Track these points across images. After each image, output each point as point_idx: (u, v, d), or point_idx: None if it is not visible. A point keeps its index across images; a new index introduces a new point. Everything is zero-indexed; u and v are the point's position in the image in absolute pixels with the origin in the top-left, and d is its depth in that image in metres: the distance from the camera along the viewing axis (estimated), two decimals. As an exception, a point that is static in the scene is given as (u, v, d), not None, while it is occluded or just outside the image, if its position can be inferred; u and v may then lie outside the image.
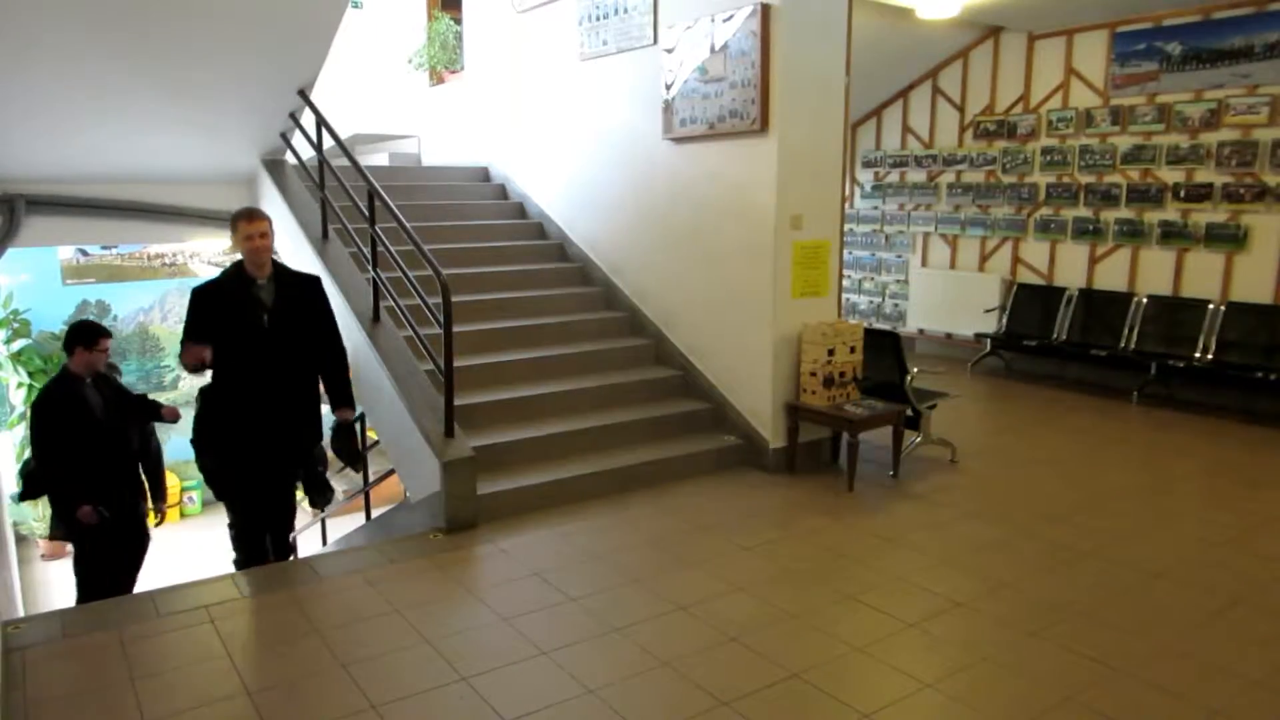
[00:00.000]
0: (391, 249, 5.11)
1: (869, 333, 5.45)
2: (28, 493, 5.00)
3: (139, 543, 5.07)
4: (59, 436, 4.65)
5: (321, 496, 4.55)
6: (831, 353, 5.13)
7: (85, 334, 4.77)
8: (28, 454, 5.10)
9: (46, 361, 9.68)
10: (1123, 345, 7.29)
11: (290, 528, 4.72)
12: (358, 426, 5.12)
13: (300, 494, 4.63)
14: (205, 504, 10.39)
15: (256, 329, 4.05)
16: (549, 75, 7.03)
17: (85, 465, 4.67)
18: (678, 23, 5.60)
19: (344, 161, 5.70)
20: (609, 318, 6.38)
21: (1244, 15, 6.54)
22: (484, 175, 8.06)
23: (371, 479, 7.52)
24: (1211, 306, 6.86)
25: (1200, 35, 6.78)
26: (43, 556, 9.47)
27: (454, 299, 4.63)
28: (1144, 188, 7.22)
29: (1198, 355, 6.83)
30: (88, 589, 4.81)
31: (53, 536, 5.19)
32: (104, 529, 4.71)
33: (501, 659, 3.22)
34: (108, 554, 4.84)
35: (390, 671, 3.14)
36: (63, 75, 5.03)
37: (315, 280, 4.38)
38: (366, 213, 5.27)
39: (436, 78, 9.01)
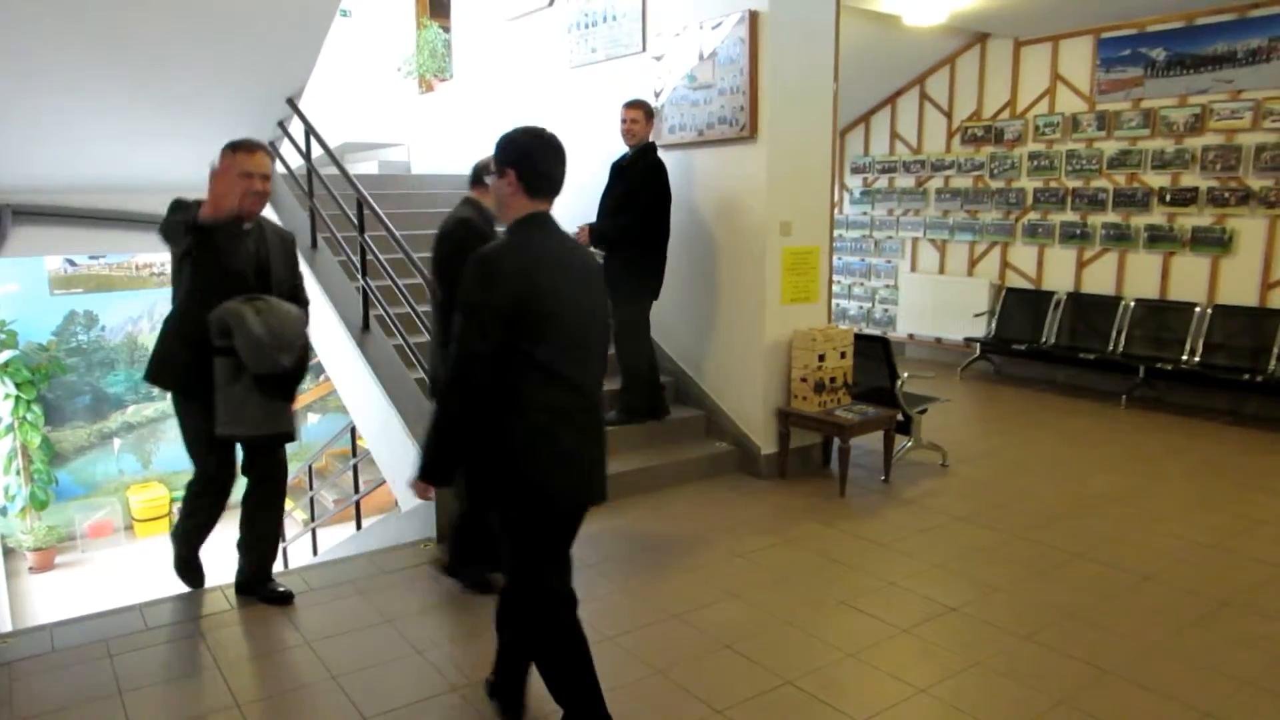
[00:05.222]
0: (381, 257, 5.11)
1: (859, 338, 5.46)
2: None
3: None
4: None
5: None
6: (822, 358, 5.14)
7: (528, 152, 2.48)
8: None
9: (34, 372, 9.60)
10: (1111, 349, 7.33)
11: None
12: None
13: None
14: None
15: None
16: (538, 83, 7.04)
17: None
18: (666, 30, 5.62)
19: (333, 170, 5.70)
20: (600, 325, 6.36)
21: (1227, 21, 6.60)
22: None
23: (362, 489, 7.50)
24: (1198, 309, 6.91)
25: (1184, 41, 6.84)
26: (30, 569, 9.39)
27: (444, 307, 4.62)
28: (1130, 192, 7.27)
29: (1185, 358, 6.87)
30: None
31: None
32: None
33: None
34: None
35: (382, 682, 3.12)
36: (49, 86, 5.01)
37: None
38: (356, 221, 5.26)
39: (425, 86, 9.02)
